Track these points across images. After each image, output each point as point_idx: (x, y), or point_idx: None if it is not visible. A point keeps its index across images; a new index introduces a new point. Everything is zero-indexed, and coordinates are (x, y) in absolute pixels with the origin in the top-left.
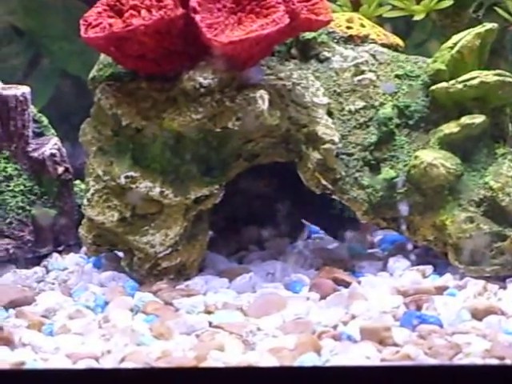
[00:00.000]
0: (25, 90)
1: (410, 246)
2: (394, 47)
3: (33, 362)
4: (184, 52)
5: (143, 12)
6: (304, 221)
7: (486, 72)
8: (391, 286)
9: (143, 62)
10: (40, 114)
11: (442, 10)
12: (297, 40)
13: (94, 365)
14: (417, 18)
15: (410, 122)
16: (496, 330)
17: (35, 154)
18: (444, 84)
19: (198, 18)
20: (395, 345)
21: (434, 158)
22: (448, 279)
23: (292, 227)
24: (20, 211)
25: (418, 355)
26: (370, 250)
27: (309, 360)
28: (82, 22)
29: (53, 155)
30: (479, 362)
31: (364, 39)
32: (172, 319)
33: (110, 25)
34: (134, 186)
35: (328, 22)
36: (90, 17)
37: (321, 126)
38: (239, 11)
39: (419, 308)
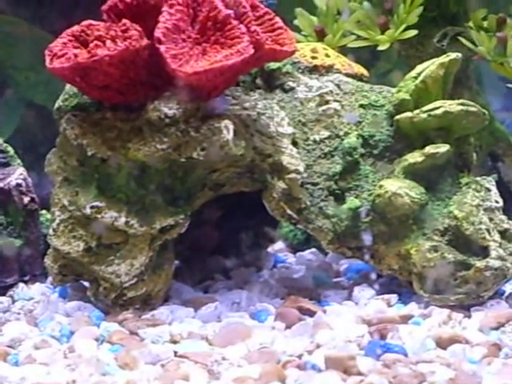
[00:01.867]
0: None
1: (374, 275)
2: (358, 77)
3: None
4: (149, 82)
5: (108, 42)
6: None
7: (449, 102)
8: (356, 315)
9: (108, 92)
10: (6, 144)
11: (407, 39)
12: (262, 70)
13: None
14: (381, 48)
15: (375, 152)
16: (460, 359)
17: (1, 184)
18: (408, 114)
19: (162, 48)
20: (360, 374)
21: (398, 187)
22: (413, 308)
23: (257, 257)
24: None
25: None
26: (335, 279)
27: None
28: (47, 52)
29: (19, 185)
30: None
31: (329, 69)
32: (137, 349)
33: (75, 55)
34: (99, 216)
35: (293, 53)
36: (55, 47)
37: (286, 156)
38: (204, 42)
39: (384, 337)
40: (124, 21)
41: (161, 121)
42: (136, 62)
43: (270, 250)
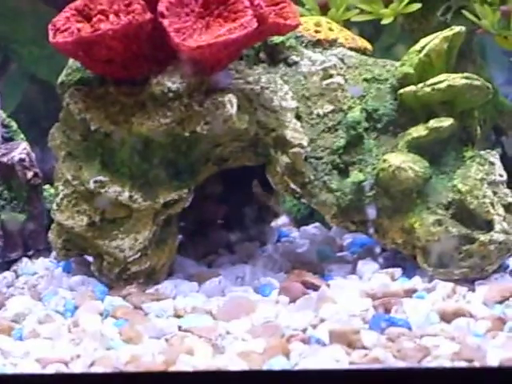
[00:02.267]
0: None
1: (378, 249)
2: (362, 51)
3: (2, 366)
4: (152, 56)
5: (111, 17)
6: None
7: (453, 75)
8: (360, 289)
9: (111, 66)
10: (9, 119)
11: (410, 13)
12: (265, 44)
13: (64, 369)
14: (385, 21)
15: (379, 126)
16: (465, 333)
17: (4, 159)
18: (412, 87)
19: (165, 22)
20: (364, 348)
21: (402, 161)
22: (417, 282)
23: (261, 231)
24: None
25: (387, 358)
26: (339, 253)
27: (278, 363)
28: (50, 26)
29: (22, 160)
30: (448, 364)
31: (332, 43)
32: (141, 323)
33: (79, 29)
34: (102, 190)
35: (296, 26)
36: (58, 22)
37: (289, 130)
38: (207, 16)
39: (388, 311)
40: None
41: (164, 95)
42: (139, 37)
43: (273, 224)
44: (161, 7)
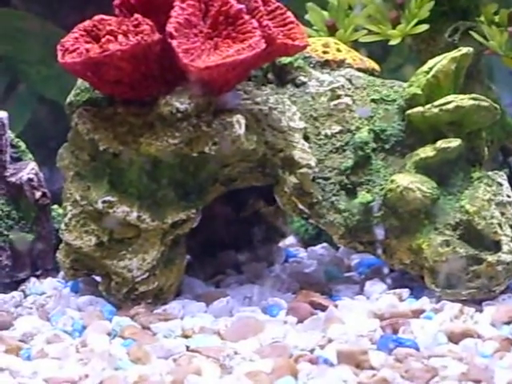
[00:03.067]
0: (2, 115)
1: (386, 270)
2: (370, 72)
3: None
4: (161, 77)
5: (120, 37)
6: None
7: (461, 96)
8: (368, 309)
9: (120, 87)
10: (17, 139)
11: (418, 34)
12: (273, 65)
13: None
14: (392, 42)
15: (386, 146)
16: (472, 354)
17: (13, 179)
18: (420, 108)
19: (174, 43)
20: (372, 368)
21: (410, 181)
22: (424, 302)
23: (269, 251)
24: None
25: (395, 378)
26: (346, 274)
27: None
28: (59, 47)
29: (30, 180)
30: None
31: (340, 64)
32: (149, 343)
33: (87, 50)
34: (111, 210)
35: (304, 47)
36: (66, 42)
37: (297, 151)
38: (216, 36)
39: (396, 331)
40: (136, 15)
41: (172, 115)
42: (148, 57)
43: (281, 244)
44: (169, 28)
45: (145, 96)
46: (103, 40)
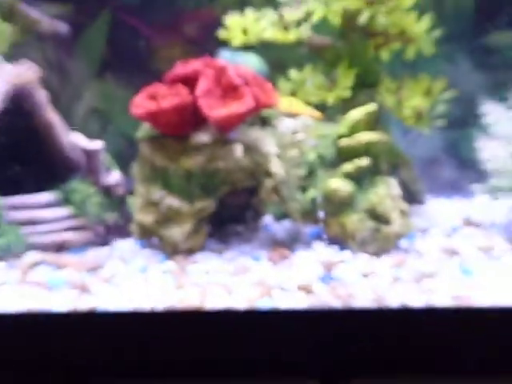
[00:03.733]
0: (99, 144)
1: (325, 236)
2: (316, 118)
3: (104, 304)
4: (192, 121)
5: (168, 98)
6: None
7: (370, 133)
8: (314, 258)
9: (168, 127)
10: (108, 158)
11: (343, 97)
12: (258, 114)
13: (141, 305)
14: (329, 101)
15: (325, 163)
16: (376, 285)
17: (105, 182)
18: (345, 141)
19: (200, 102)
20: (317, 294)
21: (338, 184)
22: (347, 255)
23: (256, 224)
24: (96, 216)
25: (330, 300)
26: (300, 238)
27: (265, 302)
28: (132, 104)
29: (116, 182)
30: (366, 305)
31: (298, 114)
32: (185, 278)
33: (148, 106)
34: (163, 201)
35: (277, 104)
36: (136, 100)
37: (272, 165)
38: (225, 97)
39: (330, 270)
40: (178, 85)
41: (199, 145)
42: (185, 110)
43: (263, 220)
44: (197, 92)
45: (183, 133)
46: (158, 100)
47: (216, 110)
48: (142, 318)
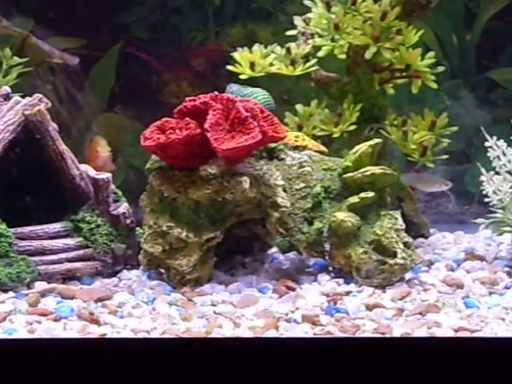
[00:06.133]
0: (108, 175)
1: (330, 268)
2: (321, 152)
3: (111, 333)
4: (201, 154)
5: (177, 131)
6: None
7: (374, 167)
8: (319, 290)
9: (177, 160)
10: (117, 189)
11: (350, 131)
12: (265, 147)
13: (147, 335)
14: (335, 135)
15: (331, 196)
16: (380, 317)
17: (114, 212)
18: (350, 174)
19: (208, 134)
20: (322, 325)
21: (344, 216)
22: (352, 287)
23: (262, 256)
24: (105, 245)
25: (335, 331)
26: (307, 269)
27: (271, 334)
28: (141, 136)
29: (124, 213)
30: (371, 335)
31: (304, 148)
32: (192, 309)
33: (158, 138)
34: (170, 231)
35: (284, 138)
36: (146, 133)
37: (279, 197)
38: (233, 131)
39: (335, 303)
40: (186, 118)
41: (207, 176)
42: (193, 142)
43: (269, 252)
44: (206, 125)
45: (191, 165)
46: (167, 132)
47: (224, 142)
48: (148, 346)
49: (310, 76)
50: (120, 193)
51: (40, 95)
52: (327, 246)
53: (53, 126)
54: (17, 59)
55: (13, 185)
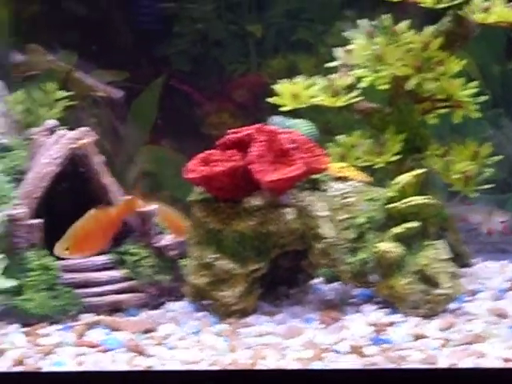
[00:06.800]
0: (153, 207)
1: (375, 298)
2: (365, 182)
3: (158, 365)
4: (245, 186)
5: (222, 163)
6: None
7: (418, 197)
8: (364, 321)
9: (221, 191)
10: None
11: (393, 161)
12: (309, 179)
13: (194, 367)
14: (378, 165)
15: (375, 226)
16: (426, 347)
17: (158, 245)
18: (394, 204)
19: (253, 166)
20: (368, 356)
21: (388, 246)
22: (397, 317)
23: (306, 287)
24: (149, 277)
25: (381, 362)
26: (351, 300)
27: (317, 365)
28: (185, 168)
29: (168, 245)
30: (417, 366)
31: (347, 178)
32: (238, 340)
33: (202, 170)
34: (216, 263)
35: (326, 169)
36: (190, 165)
37: (322, 229)
38: (277, 162)
39: (381, 334)
40: (230, 150)
41: (251, 208)
42: (238, 174)
43: (312, 282)
44: (250, 157)
45: (235, 197)
46: (211, 164)
47: (268, 174)
48: (196, 378)
49: (352, 107)
50: (163, 225)
51: (85, 128)
52: (371, 277)
53: (98, 159)
54: (61, 93)
55: (59, 217)
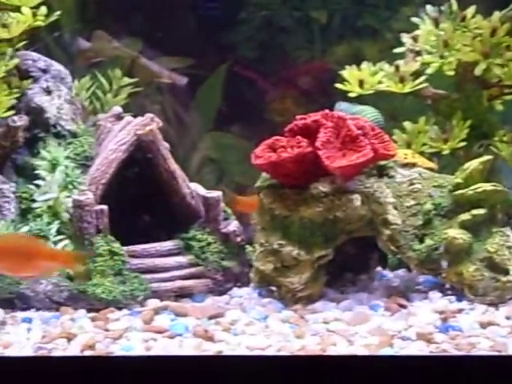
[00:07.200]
0: (218, 193)
1: (440, 285)
2: (431, 169)
3: (226, 351)
4: (312, 172)
5: (289, 149)
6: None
7: (485, 184)
8: (431, 308)
9: (288, 178)
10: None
11: (460, 148)
12: (376, 165)
13: (262, 353)
14: (444, 152)
15: (442, 213)
16: (495, 335)
17: (224, 230)
18: (462, 191)
19: (320, 152)
20: (436, 343)
21: (456, 233)
22: (464, 304)
23: (371, 273)
24: (215, 263)
25: (450, 349)
26: (417, 287)
27: (386, 351)
28: (253, 154)
29: (234, 231)
30: (487, 353)
31: (414, 165)
32: (305, 327)
33: (269, 156)
34: (282, 249)
35: (394, 155)
36: (257, 151)
37: (390, 215)
38: (344, 149)
39: (448, 321)
40: (298, 137)
41: (319, 194)
42: (305, 160)
43: (378, 269)
44: (317, 144)
45: (302, 183)
46: (278, 151)
47: (335, 160)
48: (265, 364)
49: (418, 93)
50: (229, 211)
51: (152, 115)
52: (438, 264)
53: (164, 145)
54: (127, 79)
55: (126, 203)
